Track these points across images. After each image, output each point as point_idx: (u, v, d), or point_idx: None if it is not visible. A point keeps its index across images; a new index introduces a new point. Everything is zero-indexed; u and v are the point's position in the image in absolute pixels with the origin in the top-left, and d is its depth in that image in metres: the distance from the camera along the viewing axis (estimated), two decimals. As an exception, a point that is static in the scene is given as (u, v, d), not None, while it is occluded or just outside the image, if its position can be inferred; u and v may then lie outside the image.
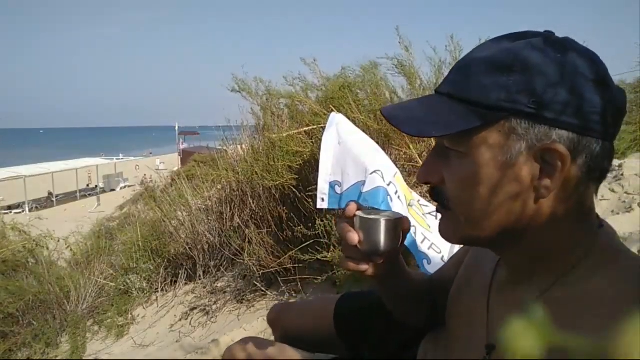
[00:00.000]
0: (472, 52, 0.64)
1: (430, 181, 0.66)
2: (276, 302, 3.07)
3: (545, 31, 0.62)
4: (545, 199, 0.58)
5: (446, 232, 0.67)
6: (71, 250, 5.01)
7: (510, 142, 0.58)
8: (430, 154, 0.67)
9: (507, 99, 0.57)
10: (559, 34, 0.62)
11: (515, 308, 0.62)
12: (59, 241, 4.84)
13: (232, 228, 3.66)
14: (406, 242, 2.04)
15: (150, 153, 43.94)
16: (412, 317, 0.96)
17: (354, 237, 0.75)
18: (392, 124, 0.63)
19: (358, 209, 0.77)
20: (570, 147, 0.56)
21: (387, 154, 2.51)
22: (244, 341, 1.11)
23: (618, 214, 2.45)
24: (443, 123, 0.60)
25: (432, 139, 0.70)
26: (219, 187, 4.23)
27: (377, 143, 2.46)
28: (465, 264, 0.84)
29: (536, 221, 0.60)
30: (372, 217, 0.75)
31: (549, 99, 0.55)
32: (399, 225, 0.76)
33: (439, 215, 0.69)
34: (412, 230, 2.01)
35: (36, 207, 20.92)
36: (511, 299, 0.65)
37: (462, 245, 0.90)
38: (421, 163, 2.82)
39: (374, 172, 2.06)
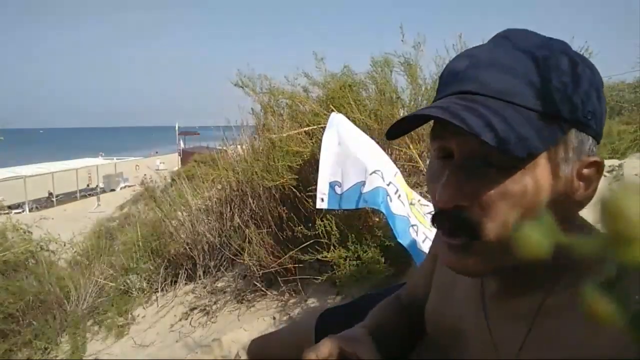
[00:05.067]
0: (503, 45, 0.56)
1: (463, 204, 0.55)
2: (276, 301, 3.08)
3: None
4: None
5: (471, 266, 0.58)
6: (75, 252, 5.01)
7: (567, 156, 0.54)
8: (455, 171, 0.56)
9: (572, 109, 0.53)
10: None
11: (520, 323, 0.60)
12: (64, 245, 4.84)
13: (232, 228, 3.66)
14: (406, 242, 2.03)
15: (156, 152, 44.36)
16: (403, 349, 0.90)
17: None
18: (489, 141, 0.49)
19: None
20: (592, 154, 0.57)
21: (387, 153, 2.52)
22: None
23: (618, 214, 2.45)
24: (526, 137, 0.50)
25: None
26: (219, 187, 4.23)
27: (377, 143, 2.46)
28: (437, 273, 0.79)
29: None
30: None
31: (595, 109, 0.55)
32: None
33: (445, 244, 0.60)
34: (414, 229, 2.01)
35: (36, 207, 20.89)
36: (513, 314, 0.62)
37: None
38: (421, 163, 2.83)
39: (374, 172, 2.06)
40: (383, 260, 2.57)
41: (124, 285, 4.28)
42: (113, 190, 26.64)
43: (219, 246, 3.79)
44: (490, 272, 0.59)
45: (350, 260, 2.60)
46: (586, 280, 0.21)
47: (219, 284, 3.63)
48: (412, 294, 0.91)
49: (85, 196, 25.81)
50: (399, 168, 2.36)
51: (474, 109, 0.52)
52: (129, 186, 24.41)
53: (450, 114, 0.51)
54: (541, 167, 0.53)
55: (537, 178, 0.52)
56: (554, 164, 0.53)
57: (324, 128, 2.44)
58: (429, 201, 2.23)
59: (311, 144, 2.95)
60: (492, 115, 0.51)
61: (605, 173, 2.87)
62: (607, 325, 0.19)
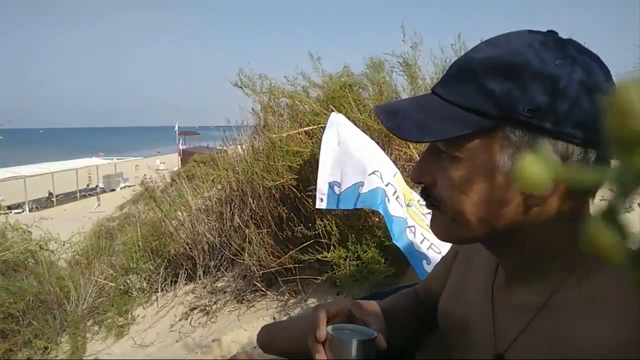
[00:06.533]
0: (471, 51, 0.62)
1: (424, 181, 0.66)
2: (276, 301, 3.08)
3: (547, 31, 0.60)
4: (539, 207, 0.57)
5: (438, 231, 0.67)
6: (74, 252, 5.00)
7: (504, 150, 0.57)
8: (424, 153, 0.66)
9: (503, 106, 0.55)
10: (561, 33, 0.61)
11: (522, 314, 0.62)
12: (63, 244, 4.84)
13: (232, 228, 3.67)
14: (402, 244, 2.03)
15: (158, 152, 44.72)
16: (411, 342, 0.92)
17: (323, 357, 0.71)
18: (387, 127, 0.62)
19: (336, 320, 0.75)
20: (565, 157, 0.55)
21: (387, 153, 2.52)
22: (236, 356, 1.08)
23: (618, 214, 2.44)
24: (439, 128, 0.59)
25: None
26: (219, 187, 4.23)
27: (377, 143, 2.46)
28: (455, 269, 0.82)
29: (531, 226, 0.59)
30: (344, 337, 0.71)
31: (546, 108, 0.54)
32: (372, 345, 0.71)
33: (430, 214, 0.69)
34: (411, 230, 2.01)
35: (36, 207, 20.87)
36: (518, 305, 0.64)
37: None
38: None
39: (373, 172, 2.06)
40: (383, 260, 2.58)
41: (124, 285, 4.28)
42: (113, 190, 26.63)
43: (219, 246, 3.79)
44: (464, 242, 0.67)
45: (350, 260, 2.60)
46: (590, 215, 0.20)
47: (219, 284, 3.63)
48: (428, 290, 0.92)
49: (85, 196, 25.81)
50: (398, 168, 2.36)
51: (404, 111, 0.63)
52: (129, 186, 24.39)
53: (387, 105, 0.67)
54: (476, 157, 0.59)
55: (471, 166, 0.59)
56: (488, 156, 0.58)
57: (323, 128, 2.44)
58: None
59: (311, 144, 2.95)
60: (415, 113, 0.62)
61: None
62: (608, 260, 0.18)
